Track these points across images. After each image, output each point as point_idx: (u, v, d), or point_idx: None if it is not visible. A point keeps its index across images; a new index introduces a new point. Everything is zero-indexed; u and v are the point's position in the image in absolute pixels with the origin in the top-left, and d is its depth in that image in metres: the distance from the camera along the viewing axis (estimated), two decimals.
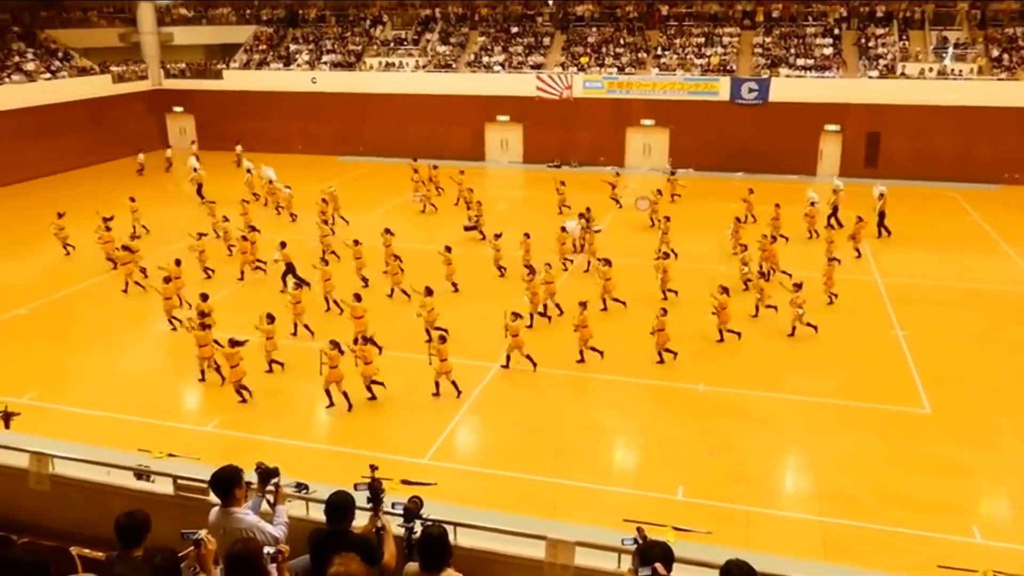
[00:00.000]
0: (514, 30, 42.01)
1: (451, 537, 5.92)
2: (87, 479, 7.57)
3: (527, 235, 23.20)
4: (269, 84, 41.57)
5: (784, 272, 22.25)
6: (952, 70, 35.42)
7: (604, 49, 39.87)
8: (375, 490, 6.26)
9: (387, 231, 23.25)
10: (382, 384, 16.47)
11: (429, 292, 19.12)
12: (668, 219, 25.36)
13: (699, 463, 14.19)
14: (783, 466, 14.46)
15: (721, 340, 19.08)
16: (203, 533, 5.19)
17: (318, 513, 6.62)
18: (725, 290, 19.19)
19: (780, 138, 35.75)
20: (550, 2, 44.01)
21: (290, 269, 21.86)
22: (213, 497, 6.93)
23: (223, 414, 16.08)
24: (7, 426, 14.13)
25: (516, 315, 17.67)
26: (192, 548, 5.15)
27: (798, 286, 19.58)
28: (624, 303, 20.95)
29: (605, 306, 20.80)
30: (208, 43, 45.62)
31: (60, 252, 25.47)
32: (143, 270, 22.43)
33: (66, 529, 7.22)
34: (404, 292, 21.12)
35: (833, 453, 14.51)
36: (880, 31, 38.21)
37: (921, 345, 18.88)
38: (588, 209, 25.65)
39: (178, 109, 43.44)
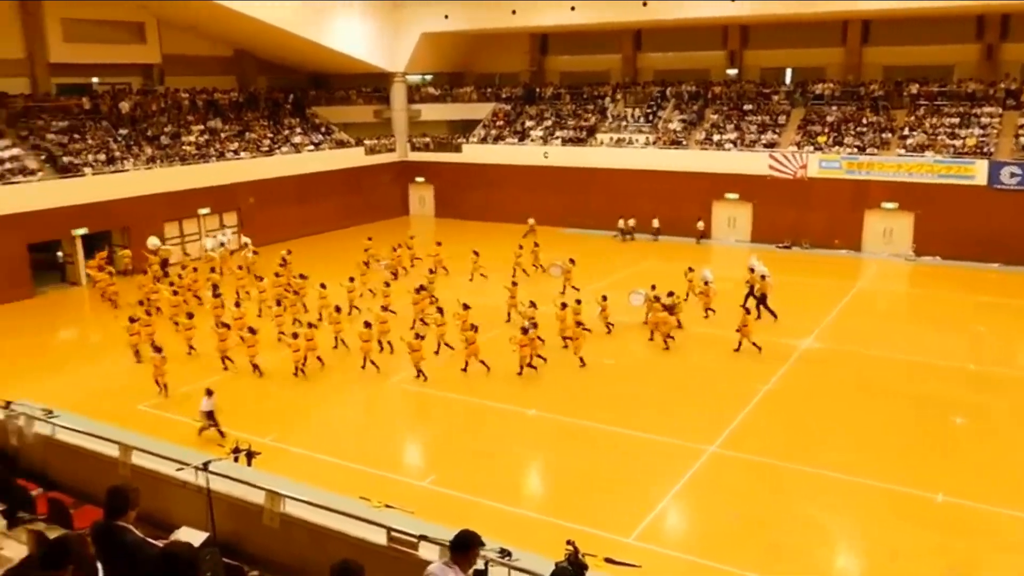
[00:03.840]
0: (748, 108, 41.44)
1: None
2: (311, 520, 7.99)
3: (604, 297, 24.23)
4: (503, 158, 43.48)
5: None
6: None
7: (844, 128, 38.28)
8: (579, 567, 6.14)
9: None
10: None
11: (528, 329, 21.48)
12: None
13: None
14: None
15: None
16: None
17: None
18: None
19: None
20: (787, 80, 43.10)
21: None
22: (423, 552, 7.10)
23: (440, 470, 16.56)
24: (249, 463, 15.38)
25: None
26: None
27: None
28: None
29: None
30: (451, 119, 48.70)
31: (312, 314, 25.80)
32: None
33: (289, 565, 7.68)
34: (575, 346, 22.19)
35: None
36: None
37: None
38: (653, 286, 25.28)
39: (420, 179, 46.47)
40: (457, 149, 45.36)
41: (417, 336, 21.53)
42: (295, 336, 21.68)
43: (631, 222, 38.89)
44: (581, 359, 21.83)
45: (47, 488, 9.09)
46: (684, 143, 40.31)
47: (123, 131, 36.15)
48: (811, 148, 37.38)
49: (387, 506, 9.73)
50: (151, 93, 39.70)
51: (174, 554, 4.98)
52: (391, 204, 45.52)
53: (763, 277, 26.23)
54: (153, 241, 31.90)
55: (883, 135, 37.32)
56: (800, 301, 27.95)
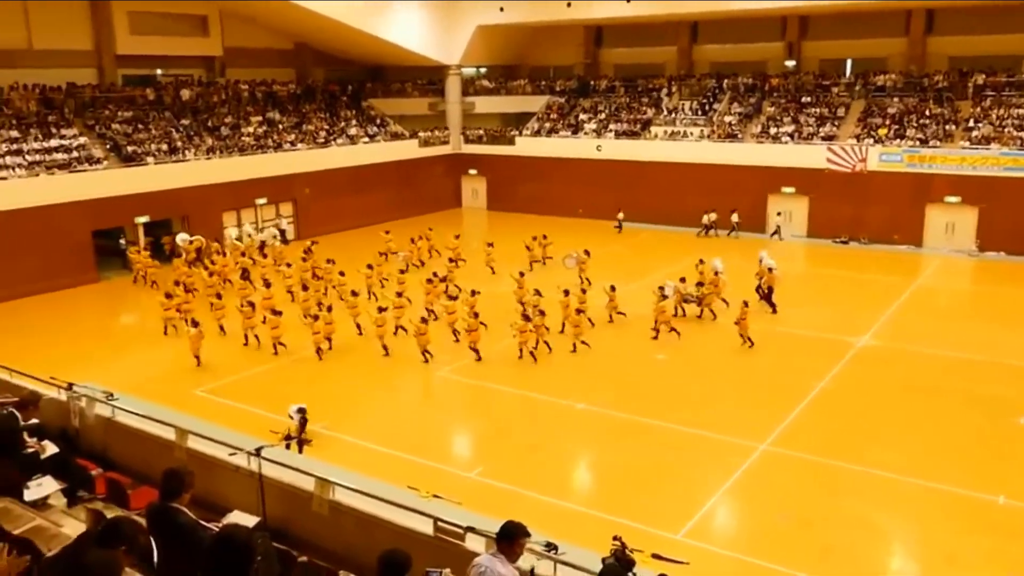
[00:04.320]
0: (806, 100, 40.60)
1: None
2: (360, 508, 8.06)
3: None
4: (557, 151, 43.29)
5: None
6: None
7: (906, 120, 37.26)
8: (626, 562, 6.06)
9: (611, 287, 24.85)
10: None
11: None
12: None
13: None
14: None
15: None
16: (447, 571, 5.32)
17: (564, 574, 6.54)
18: None
19: None
20: (848, 72, 42.11)
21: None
22: (470, 543, 7.09)
23: (488, 462, 16.58)
24: (300, 451, 15.62)
25: None
26: None
27: None
28: None
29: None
30: (505, 112, 48.67)
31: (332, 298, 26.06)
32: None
33: (337, 551, 7.75)
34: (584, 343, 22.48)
35: None
36: None
37: None
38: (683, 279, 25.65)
39: (472, 172, 46.56)
40: (510, 142, 45.33)
41: (423, 320, 22.05)
42: (316, 318, 22.40)
43: (712, 216, 37.98)
44: (575, 345, 22.24)
45: (106, 468, 9.31)
46: (740, 136, 39.70)
47: (185, 122, 36.91)
48: (871, 141, 36.50)
49: (435, 496, 9.78)
50: (212, 85, 40.45)
51: (231, 536, 5.07)
52: (444, 196, 45.70)
53: (770, 270, 26.08)
54: (182, 236, 32.60)
55: (947, 127, 36.24)
56: (857, 298, 27.40)
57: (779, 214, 37.46)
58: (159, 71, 39.93)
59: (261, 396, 19.55)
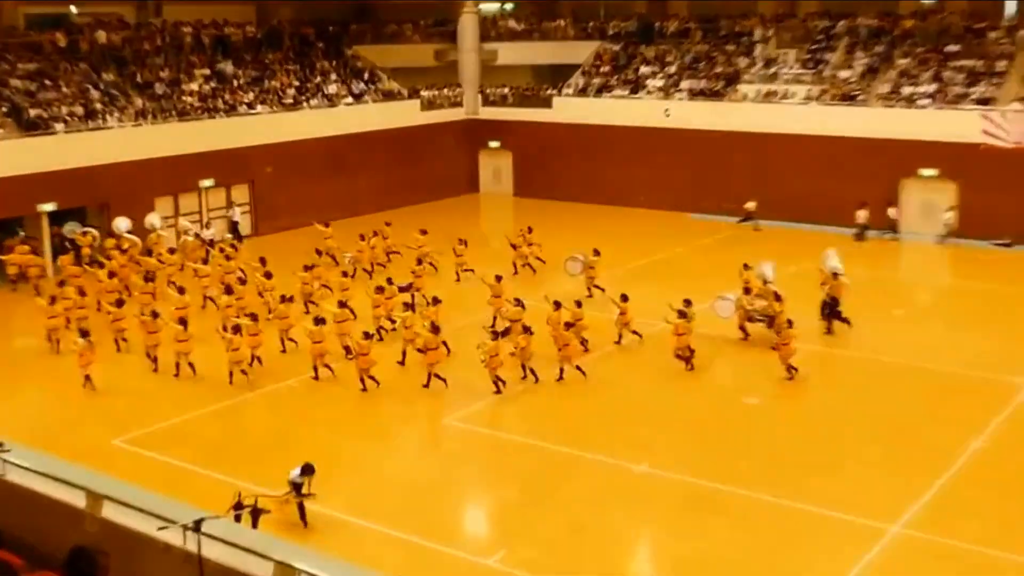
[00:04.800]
0: (952, 49, 40.28)
1: None
2: None
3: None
4: (609, 116, 43.20)
5: None
6: None
7: None
8: None
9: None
10: None
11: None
12: None
13: None
14: None
15: None
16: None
17: None
18: None
19: None
20: (1008, 11, 41.72)
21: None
22: None
23: (513, 545, 16.44)
24: (255, 524, 15.52)
25: None
26: None
27: None
28: None
29: None
30: (539, 63, 48.74)
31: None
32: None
33: None
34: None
35: None
36: None
37: None
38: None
39: (494, 144, 46.63)
40: (546, 104, 45.37)
41: (366, 335, 22.75)
42: (236, 330, 23.15)
43: (863, 214, 37.18)
44: (561, 371, 22.90)
45: None
46: (861, 97, 39.42)
47: (107, 76, 37.26)
48: None
49: None
50: (144, 27, 40.89)
51: None
52: (455, 178, 45.85)
53: (835, 275, 26.45)
54: (71, 226, 33.06)
55: None
56: None
57: (950, 209, 36.64)
58: (73, 8, 40.39)
59: (204, 448, 19.51)
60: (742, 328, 25.49)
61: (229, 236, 35.79)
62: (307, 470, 16.25)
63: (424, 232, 32.65)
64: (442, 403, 22.21)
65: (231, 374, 22.92)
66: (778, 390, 22.84)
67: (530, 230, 32.84)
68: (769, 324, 24.92)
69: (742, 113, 40.87)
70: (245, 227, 38.09)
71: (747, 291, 25.99)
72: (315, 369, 23.14)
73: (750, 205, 38.89)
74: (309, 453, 19.40)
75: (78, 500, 9.51)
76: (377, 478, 19.07)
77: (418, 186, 43.42)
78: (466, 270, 31.07)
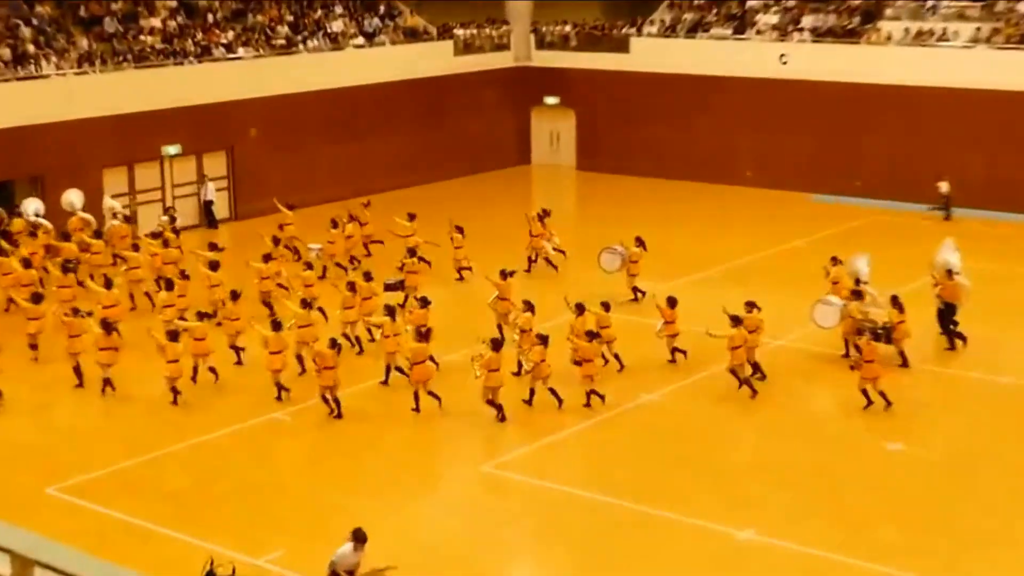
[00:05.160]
0: None
1: None
2: None
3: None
4: (705, 64, 42.90)
5: None
6: None
7: None
8: None
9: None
10: None
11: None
12: None
13: None
14: None
15: None
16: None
17: None
18: None
19: None
20: None
21: None
22: None
23: None
24: None
25: None
26: None
27: None
28: None
29: None
30: None
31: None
32: None
33: None
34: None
35: None
36: None
37: None
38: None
39: (551, 100, 46.26)
40: (621, 47, 45.27)
41: (334, 344, 23.06)
42: (174, 336, 23.30)
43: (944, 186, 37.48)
44: (588, 395, 23.23)
45: None
46: None
47: (41, 9, 37.05)
48: None
49: None
50: None
51: None
52: (498, 146, 45.68)
53: (950, 273, 26.69)
54: (75, 198, 33.12)
55: None
56: None
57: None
58: None
59: (162, 499, 19.53)
60: (854, 345, 24.98)
61: (117, 217, 35.23)
62: (359, 537, 15.36)
63: (413, 217, 33.25)
64: (472, 441, 22.57)
65: (175, 392, 23.25)
66: (928, 434, 22.92)
67: (546, 213, 33.00)
68: (887, 339, 24.91)
69: (883, 61, 40.48)
70: (222, 209, 38.00)
71: (857, 295, 25.89)
72: (278, 388, 23.50)
73: (943, 186, 38.27)
74: (304, 509, 19.74)
75: (2, 566, 9.60)
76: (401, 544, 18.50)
77: (450, 155, 43.40)
78: (463, 268, 31.81)
